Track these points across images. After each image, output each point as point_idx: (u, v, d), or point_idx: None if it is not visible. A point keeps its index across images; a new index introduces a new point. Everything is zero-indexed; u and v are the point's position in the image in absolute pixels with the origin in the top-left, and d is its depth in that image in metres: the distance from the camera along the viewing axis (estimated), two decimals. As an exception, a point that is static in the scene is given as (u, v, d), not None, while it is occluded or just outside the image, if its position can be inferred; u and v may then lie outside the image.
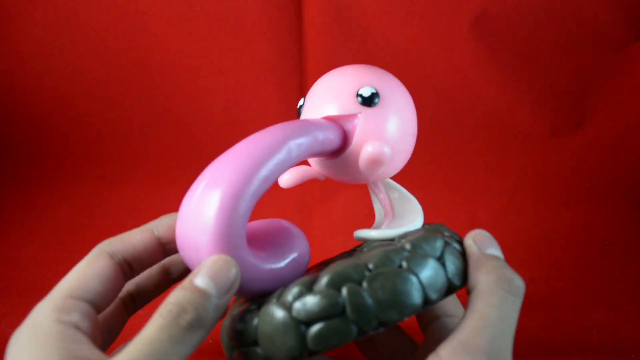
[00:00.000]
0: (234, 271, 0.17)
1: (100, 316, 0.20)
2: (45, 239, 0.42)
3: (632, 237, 0.40)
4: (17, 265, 0.38)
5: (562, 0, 0.46)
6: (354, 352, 0.27)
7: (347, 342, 0.17)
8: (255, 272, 0.18)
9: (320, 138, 0.20)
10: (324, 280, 0.17)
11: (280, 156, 0.18)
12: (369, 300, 0.17)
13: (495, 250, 0.20)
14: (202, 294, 0.16)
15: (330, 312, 0.17)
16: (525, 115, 0.50)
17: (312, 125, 0.20)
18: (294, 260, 0.20)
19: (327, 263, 0.22)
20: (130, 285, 0.22)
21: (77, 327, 0.16)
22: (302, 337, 0.17)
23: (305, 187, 0.48)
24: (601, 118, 0.50)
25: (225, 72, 0.50)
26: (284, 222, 0.22)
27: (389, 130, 0.21)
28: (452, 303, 0.23)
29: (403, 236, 0.21)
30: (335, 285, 0.17)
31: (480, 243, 0.20)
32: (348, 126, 0.21)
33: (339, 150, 0.22)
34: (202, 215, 0.17)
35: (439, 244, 0.19)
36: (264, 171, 0.18)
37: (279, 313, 0.17)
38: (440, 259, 0.19)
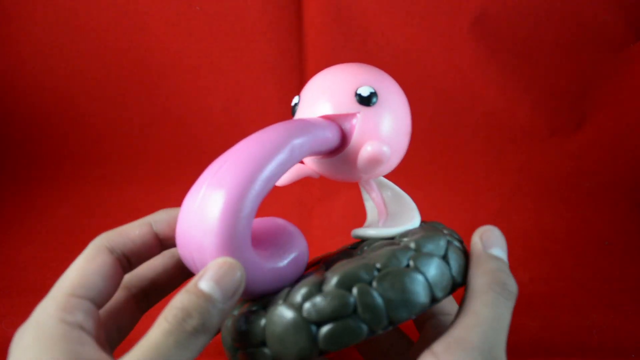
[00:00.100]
0: (239, 275, 0.17)
1: (110, 314, 0.20)
2: (45, 239, 0.42)
3: (632, 237, 0.40)
4: (17, 265, 0.38)
5: (562, 0, 0.46)
6: (351, 351, 0.27)
7: (357, 341, 0.17)
8: (259, 272, 0.18)
9: (320, 137, 0.20)
10: (333, 280, 0.17)
11: (283, 156, 0.18)
12: (379, 299, 0.17)
13: (498, 251, 0.20)
14: (208, 298, 0.16)
15: (341, 313, 0.17)
16: (525, 116, 0.50)
17: (312, 124, 0.20)
18: (294, 259, 0.20)
19: (326, 261, 0.23)
20: (144, 281, 0.21)
21: (81, 327, 0.16)
22: (313, 337, 0.17)
23: (305, 187, 0.48)
24: (601, 118, 0.50)
25: (225, 72, 0.50)
26: (280, 220, 0.22)
27: (386, 129, 0.21)
28: (447, 301, 0.23)
29: (404, 235, 0.21)
30: (345, 285, 0.17)
31: (487, 241, 0.20)
32: (346, 125, 0.21)
33: (336, 149, 0.22)
34: (206, 217, 0.17)
35: (442, 242, 0.19)
36: (268, 171, 0.18)
37: (288, 314, 0.17)
38: (445, 258, 0.19)
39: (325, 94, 0.22)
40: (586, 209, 0.44)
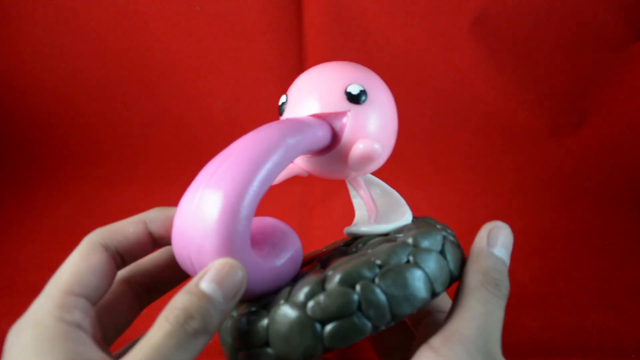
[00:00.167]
0: (240, 276, 0.17)
1: (108, 309, 0.20)
2: (45, 239, 0.42)
3: (632, 237, 0.40)
4: (17, 265, 0.38)
5: (562, 0, 0.46)
6: (358, 347, 0.27)
7: (362, 338, 0.17)
8: (259, 272, 0.18)
9: (313, 136, 0.20)
10: (336, 278, 0.17)
11: (278, 156, 0.18)
12: (382, 296, 0.17)
13: (501, 250, 0.20)
14: (209, 299, 0.16)
15: (346, 310, 0.17)
16: (525, 115, 0.50)
17: (304, 124, 0.20)
18: (291, 258, 0.20)
19: (320, 259, 0.23)
20: (145, 277, 0.21)
21: (79, 327, 0.16)
22: (318, 335, 0.17)
23: (305, 187, 0.48)
24: (601, 118, 0.50)
25: (225, 72, 0.50)
26: (272, 220, 0.22)
27: (377, 127, 0.21)
28: (441, 299, 0.23)
29: (398, 231, 0.22)
30: (347, 283, 0.17)
31: (492, 239, 0.20)
32: (337, 124, 0.21)
33: (327, 148, 0.22)
34: (205, 218, 0.17)
35: (439, 237, 0.20)
36: (265, 172, 0.18)
37: (293, 313, 0.17)
38: (442, 252, 0.19)
39: (314, 93, 0.22)
40: (586, 209, 0.44)
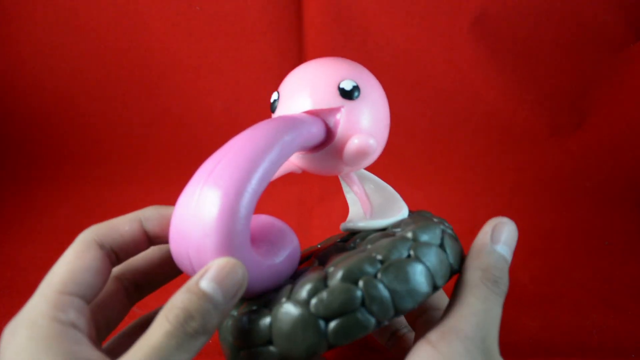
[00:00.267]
0: (241, 275, 0.17)
1: (100, 306, 0.20)
2: (45, 239, 0.42)
3: (632, 237, 0.40)
4: (17, 265, 0.38)
5: (562, 0, 0.46)
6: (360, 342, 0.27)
7: (366, 334, 0.17)
8: (258, 271, 0.18)
9: (307, 133, 0.20)
10: (338, 275, 0.17)
11: (275, 154, 0.18)
12: (385, 291, 0.17)
13: (504, 248, 0.20)
14: (209, 299, 0.16)
15: (349, 306, 0.17)
16: (525, 116, 0.50)
17: (299, 121, 0.20)
18: (289, 255, 0.20)
19: (317, 256, 0.23)
20: (137, 274, 0.21)
21: (75, 326, 0.16)
22: (322, 332, 0.17)
23: (305, 187, 0.48)
24: (601, 118, 0.49)
25: (225, 72, 0.50)
26: (268, 217, 0.22)
27: (370, 122, 0.21)
28: (437, 297, 0.23)
29: (396, 225, 0.22)
30: (350, 279, 0.17)
31: (497, 235, 0.20)
32: (330, 120, 0.21)
33: (321, 144, 0.22)
34: (204, 217, 0.17)
35: (438, 231, 0.20)
36: (263, 170, 0.18)
37: (296, 311, 0.17)
38: (442, 246, 0.19)
39: (306, 90, 0.21)
40: (586, 209, 0.44)
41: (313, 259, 0.22)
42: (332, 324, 0.17)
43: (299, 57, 0.49)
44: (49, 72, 0.50)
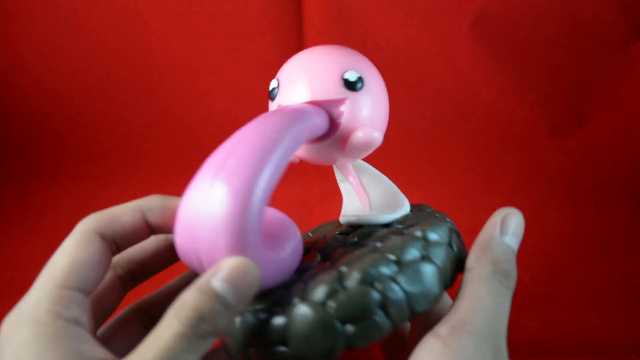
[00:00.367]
0: (254, 277, 0.16)
1: (97, 296, 0.19)
2: (45, 239, 0.42)
3: (632, 237, 0.40)
4: (17, 265, 0.38)
5: (562, 0, 0.46)
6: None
7: (383, 337, 0.17)
8: (269, 268, 0.18)
9: (313, 125, 0.19)
10: (355, 276, 0.17)
11: (285, 147, 0.18)
12: (401, 294, 0.17)
13: (512, 239, 0.20)
14: (222, 301, 0.15)
15: (367, 309, 0.17)
16: (525, 115, 0.50)
17: (304, 112, 0.19)
18: (294, 249, 0.20)
19: (319, 249, 0.22)
20: (133, 263, 0.21)
21: (78, 323, 0.16)
22: (340, 335, 0.17)
23: (305, 187, 0.48)
24: (601, 118, 0.49)
25: (225, 72, 0.50)
26: (268, 208, 0.21)
27: (373, 114, 0.21)
28: None
29: (400, 221, 0.21)
30: (367, 281, 0.17)
31: (506, 226, 0.20)
32: (334, 111, 0.20)
33: (324, 135, 0.21)
34: (216, 214, 0.16)
35: (446, 229, 0.20)
36: (274, 164, 0.17)
37: (313, 312, 0.17)
38: (450, 245, 0.19)
39: (309, 79, 0.21)
40: (586, 209, 0.44)
41: (314, 252, 0.22)
42: (350, 327, 0.17)
43: (299, 57, 0.49)
44: (49, 72, 0.50)
